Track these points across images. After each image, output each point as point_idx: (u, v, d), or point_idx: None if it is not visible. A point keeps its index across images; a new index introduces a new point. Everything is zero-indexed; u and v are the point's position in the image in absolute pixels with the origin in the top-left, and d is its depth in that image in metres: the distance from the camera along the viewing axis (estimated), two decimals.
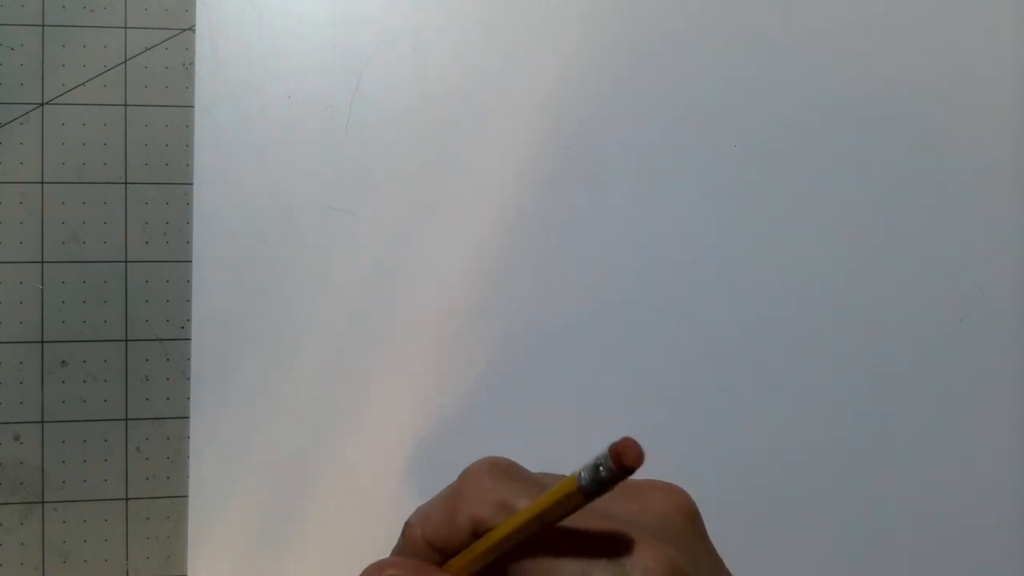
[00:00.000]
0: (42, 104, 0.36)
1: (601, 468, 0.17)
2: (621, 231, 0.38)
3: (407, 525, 0.22)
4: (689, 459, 0.38)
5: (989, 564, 0.40)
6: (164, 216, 0.37)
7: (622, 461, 0.17)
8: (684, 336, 0.39)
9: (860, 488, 0.39)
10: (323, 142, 0.37)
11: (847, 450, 0.39)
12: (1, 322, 0.36)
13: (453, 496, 0.21)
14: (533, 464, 0.23)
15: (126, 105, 0.37)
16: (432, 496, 0.23)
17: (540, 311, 0.38)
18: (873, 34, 0.40)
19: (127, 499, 0.36)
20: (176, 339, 0.36)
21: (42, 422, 0.36)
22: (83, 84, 0.36)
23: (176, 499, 0.36)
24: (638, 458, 0.17)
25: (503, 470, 0.21)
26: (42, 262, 0.36)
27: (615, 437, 0.17)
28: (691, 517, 0.22)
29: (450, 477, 0.22)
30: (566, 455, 0.35)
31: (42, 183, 0.36)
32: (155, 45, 0.37)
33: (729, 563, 0.22)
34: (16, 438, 0.35)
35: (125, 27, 0.37)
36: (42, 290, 0.36)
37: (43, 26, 0.36)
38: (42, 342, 0.36)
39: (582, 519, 0.19)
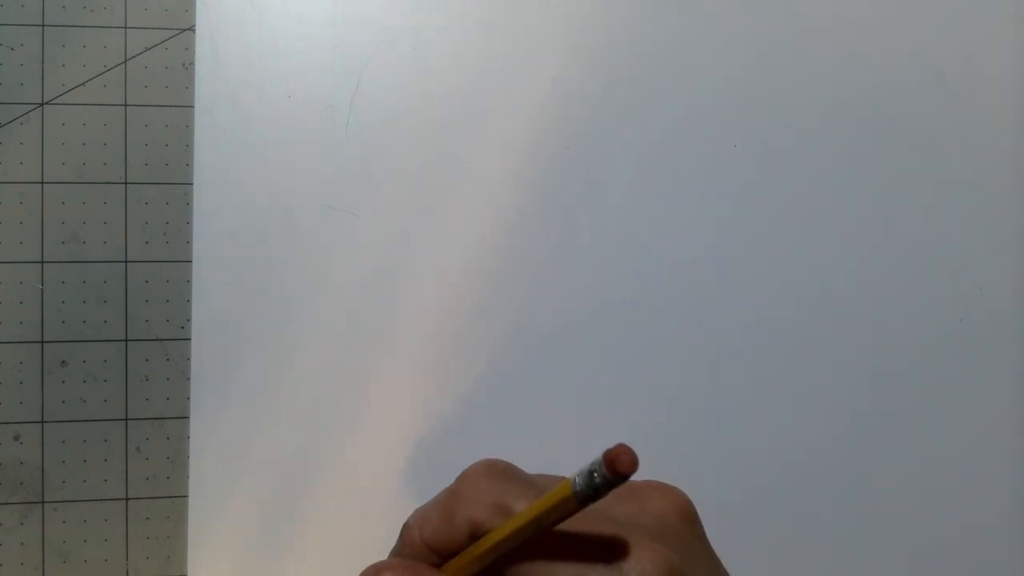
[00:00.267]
0: (42, 104, 0.36)
1: (595, 474, 0.17)
2: (621, 231, 0.38)
3: (405, 527, 0.23)
4: (689, 459, 0.38)
5: (989, 564, 0.40)
6: (164, 216, 0.37)
7: (616, 468, 0.17)
8: (684, 336, 0.39)
9: (860, 488, 0.39)
10: (323, 142, 0.37)
11: (847, 450, 0.39)
12: (1, 322, 0.36)
13: (451, 498, 0.21)
14: (533, 464, 0.23)
15: (126, 105, 0.37)
16: (431, 497, 0.23)
17: (540, 311, 0.38)
18: (873, 34, 0.40)
19: (127, 499, 0.36)
20: (176, 339, 0.36)
21: (42, 422, 0.36)
22: (83, 84, 0.36)
23: (176, 499, 0.36)
24: (632, 465, 0.17)
25: (500, 472, 0.21)
26: (42, 262, 0.36)
27: (615, 437, 0.17)
28: (689, 518, 0.22)
29: (450, 477, 0.22)
30: (566, 455, 0.35)
31: (42, 183, 0.36)
32: (155, 45, 0.37)
33: (729, 563, 0.22)
34: (16, 438, 0.36)
35: (125, 27, 0.37)
36: (42, 290, 0.36)
37: (43, 26, 0.36)
38: (42, 342, 0.36)
39: (580, 521, 0.19)
